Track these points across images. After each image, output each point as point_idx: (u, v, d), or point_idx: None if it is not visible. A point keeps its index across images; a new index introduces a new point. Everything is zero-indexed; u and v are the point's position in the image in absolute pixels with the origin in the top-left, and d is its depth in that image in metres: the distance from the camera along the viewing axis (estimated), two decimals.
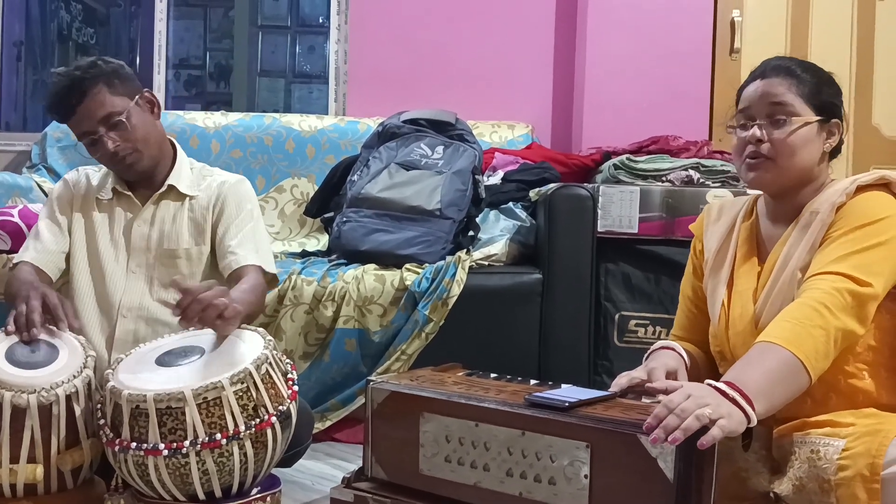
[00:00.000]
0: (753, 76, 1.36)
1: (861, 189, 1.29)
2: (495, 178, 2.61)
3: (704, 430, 1.05)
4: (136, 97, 1.68)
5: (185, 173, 1.77)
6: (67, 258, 1.74)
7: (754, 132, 1.31)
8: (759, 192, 1.42)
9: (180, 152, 1.80)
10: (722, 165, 2.36)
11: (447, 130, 2.47)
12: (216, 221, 1.73)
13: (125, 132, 1.65)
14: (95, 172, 1.80)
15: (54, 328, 1.52)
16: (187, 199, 1.75)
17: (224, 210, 1.73)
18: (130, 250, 1.72)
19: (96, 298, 1.70)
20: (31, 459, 1.39)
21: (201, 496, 1.36)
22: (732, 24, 3.06)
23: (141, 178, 1.74)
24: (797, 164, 1.31)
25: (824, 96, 1.33)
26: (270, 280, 1.75)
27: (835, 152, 1.36)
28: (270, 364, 1.42)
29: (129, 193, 1.75)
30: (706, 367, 1.46)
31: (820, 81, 1.34)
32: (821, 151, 1.33)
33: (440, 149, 2.41)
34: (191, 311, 1.38)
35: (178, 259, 1.71)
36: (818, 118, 1.31)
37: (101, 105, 1.64)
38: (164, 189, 1.74)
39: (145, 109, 1.71)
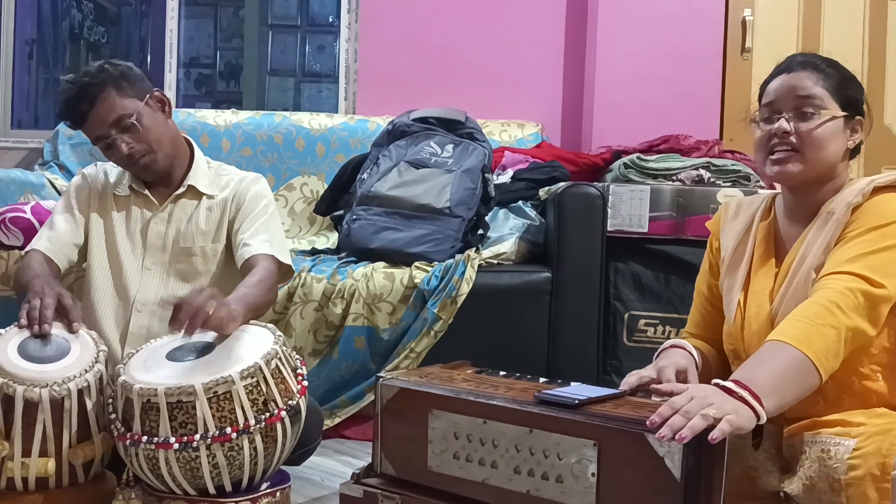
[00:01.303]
0: (779, 70, 1.35)
1: (878, 190, 1.28)
2: (505, 177, 2.61)
3: (712, 429, 1.04)
4: (147, 97, 1.69)
5: (203, 171, 1.78)
6: (80, 251, 1.75)
7: (781, 124, 1.30)
8: (777, 191, 1.41)
9: (197, 151, 1.81)
10: (733, 165, 2.35)
11: (457, 129, 2.47)
12: (232, 218, 1.74)
13: (137, 134, 1.67)
14: (113, 168, 1.81)
15: (66, 309, 1.53)
16: (204, 197, 1.76)
17: (240, 207, 1.74)
18: (147, 247, 1.73)
19: (112, 292, 1.72)
20: (43, 453, 1.40)
21: (212, 490, 1.37)
22: (744, 23, 3.05)
23: (158, 178, 1.75)
24: (823, 159, 1.30)
25: (850, 92, 1.33)
26: (286, 272, 1.74)
27: (854, 151, 1.36)
28: (280, 359, 1.43)
29: (146, 192, 1.76)
30: (718, 365, 1.45)
31: (844, 77, 1.34)
32: (844, 148, 1.33)
33: (450, 147, 2.41)
34: (183, 317, 1.39)
35: (194, 257, 1.73)
36: (844, 113, 1.31)
37: (112, 109, 1.65)
38: (183, 189, 1.75)
39: (156, 109, 1.72)
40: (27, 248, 1.73)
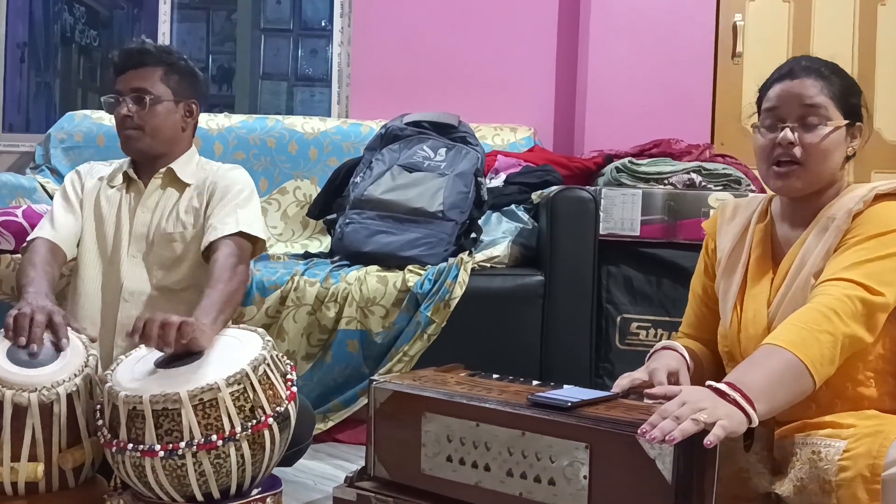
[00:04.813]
0: (781, 75, 1.33)
1: (879, 197, 1.28)
2: (497, 181, 2.61)
3: (705, 433, 1.05)
4: (182, 100, 1.75)
5: (190, 165, 1.82)
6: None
7: (786, 135, 1.29)
8: (773, 193, 1.41)
9: (193, 149, 1.84)
10: (724, 169, 2.36)
11: (450, 133, 2.47)
12: (206, 203, 1.76)
13: (143, 111, 1.71)
14: (106, 167, 1.85)
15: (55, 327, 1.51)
16: (187, 187, 1.78)
17: (214, 193, 1.76)
18: (132, 235, 1.75)
19: (101, 282, 1.74)
20: (33, 458, 1.39)
21: (199, 497, 1.36)
22: (734, 28, 3.07)
23: (140, 158, 1.78)
24: (826, 170, 1.30)
25: (852, 99, 1.32)
26: (260, 246, 1.75)
27: (850, 156, 1.35)
28: (268, 365, 1.41)
29: (136, 178, 1.79)
30: (712, 366, 1.45)
31: (847, 84, 1.33)
32: (844, 155, 1.33)
33: (443, 151, 2.41)
34: (149, 331, 1.38)
35: (174, 242, 1.75)
36: (846, 122, 1.31)
37: (144, 79, 1.72)
38: (162, 172, 1.77)
39: (180, 112, 1.76)
40: (31, 237, 1.73)
